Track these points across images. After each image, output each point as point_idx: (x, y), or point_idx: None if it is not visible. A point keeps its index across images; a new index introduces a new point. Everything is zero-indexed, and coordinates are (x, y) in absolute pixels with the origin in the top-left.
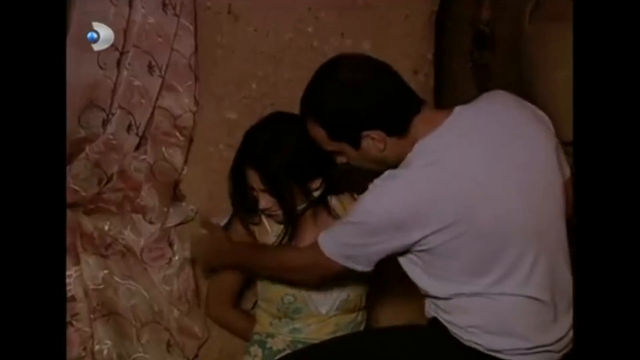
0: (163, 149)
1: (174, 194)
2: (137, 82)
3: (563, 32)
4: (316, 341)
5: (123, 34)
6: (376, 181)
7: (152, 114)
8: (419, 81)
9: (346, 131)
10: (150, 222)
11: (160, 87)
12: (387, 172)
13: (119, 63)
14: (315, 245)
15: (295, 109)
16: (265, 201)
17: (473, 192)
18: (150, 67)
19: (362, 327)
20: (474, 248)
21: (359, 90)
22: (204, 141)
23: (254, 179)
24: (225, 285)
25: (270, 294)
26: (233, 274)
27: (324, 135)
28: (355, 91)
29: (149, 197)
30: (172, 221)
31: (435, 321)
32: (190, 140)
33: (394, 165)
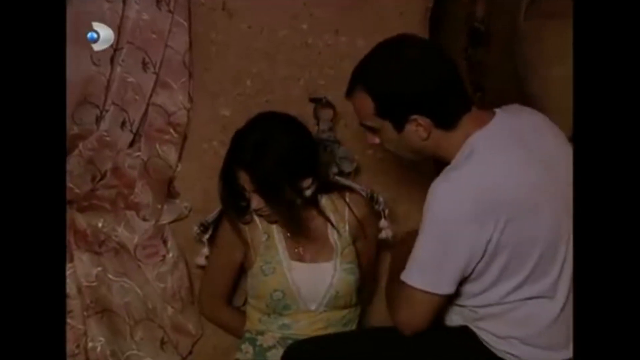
0: (157, 145)
1: (168, 191)
2: (130, 79)
3: (558, 29)
4: (306, 337)
5: (117, 30)
6: (434, 184)
7: (146, 110)
8: None
9: (396, 109)
10: (144, 219)
11: (154, 83)
12: (444, 171)
13: (112, 59)
14: (403, 287)
15: (290, 106)
16: (257, 201)
17: (530, 188)
18: (144, 64)
19: (354, 325)
20: (538, 246)
21: (420, 72)
22: (198, 138)
23: (245, 180)
24: (218, 283)
25: (260, 290)
26: (225, 271)
27: (372, 108)
28: (417, 71)
29: (142, 194)
30: (166, 218)
31: (464, 329)
32: (185, 137)
33: (429, 157)
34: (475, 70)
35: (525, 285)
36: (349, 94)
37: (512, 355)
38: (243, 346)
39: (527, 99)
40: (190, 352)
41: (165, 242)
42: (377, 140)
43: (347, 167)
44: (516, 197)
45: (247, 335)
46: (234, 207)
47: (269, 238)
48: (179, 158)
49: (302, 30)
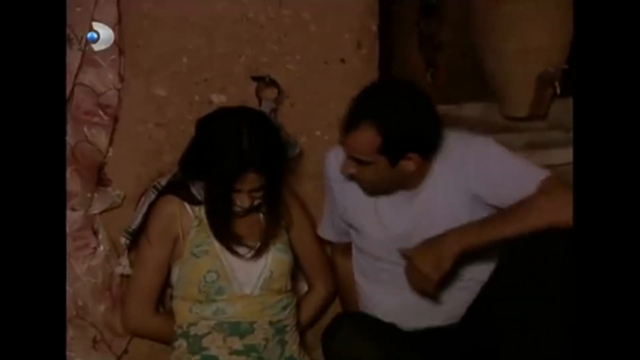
0: (85, 129)
1: (98, 178)
2: None
3: (512, 2)
4: (243, 320)
5: None
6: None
7: (72, 91)
8: (363, 55)
9: (400, 147)
10: (73, 209)
11: (81, 61)
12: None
13: None
14: (546, 180)
15: (231, 85)
16: (251, 200)
17: None
18: (68, 40)
19: (293, 310)
20: None
21: (425, 112)
22: (131, 120)
23: (253, 181)
24: (151, 284)
25: (191, 274)
26: (158, 268)
27: (377, 145)
28: (423, 112)
29: (70, 181)
30: (96, 208)
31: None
32: (116, 120)
33: (403, 184)
34: (428, 44)
35: None
36: (352, 127)
37: None
38: (176, 343)
39: (482, 74)
40: (126, 351)
41: (96, 233)
42: (354, 170)
43: (291, 152)
44: None
45: (179, 331)
46: (228, 212)
47: (200, 223)
48: (110, 142)
49: (242, 2)
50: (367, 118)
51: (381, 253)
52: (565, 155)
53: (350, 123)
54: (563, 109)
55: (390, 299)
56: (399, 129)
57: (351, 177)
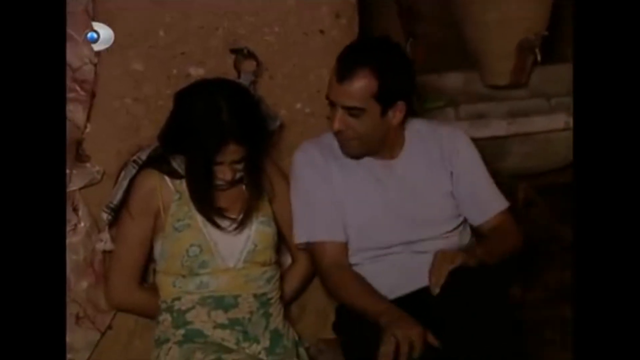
0: None
1: (76, 154)
2: None
3: None
4: (227, 294)
5: None
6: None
7: None
8: (342, 25)
9: (392, 93)
10: None
11: None
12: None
13: None
14: (505, 212)
15: (209, 59)
16: (233, 172)
17: None
18: None
19: (277, 282)
20: None
21: (409, 63)
22: (108, 95)
23: (235, 152)
24: (134, 259)
25: (174, 248)
26: (140, 243)
27: (372, 90)
28: (410, 62)
29: None
30: (76, 184)
31: None
32: (93, 95)
33: (385, 144)
34: (407, 15)
35: None
36: (348, 75)
37: None
38: (160, 318)
39: (462, 45)
40: (110, 327)
41: (76, 210)
42: (342, 127)
43: (271, 125)
44: None
45: (163, 305)
46: (209, 186)
47: (181, 197)
48: (88, 118)
49: None
50: (364, 64)
51: (372, 231)
52: (546, 123)
53: (346, 71)
54: (544, 77)
55: (384, 271)
56: (393, 74)
57: (339, 134)
